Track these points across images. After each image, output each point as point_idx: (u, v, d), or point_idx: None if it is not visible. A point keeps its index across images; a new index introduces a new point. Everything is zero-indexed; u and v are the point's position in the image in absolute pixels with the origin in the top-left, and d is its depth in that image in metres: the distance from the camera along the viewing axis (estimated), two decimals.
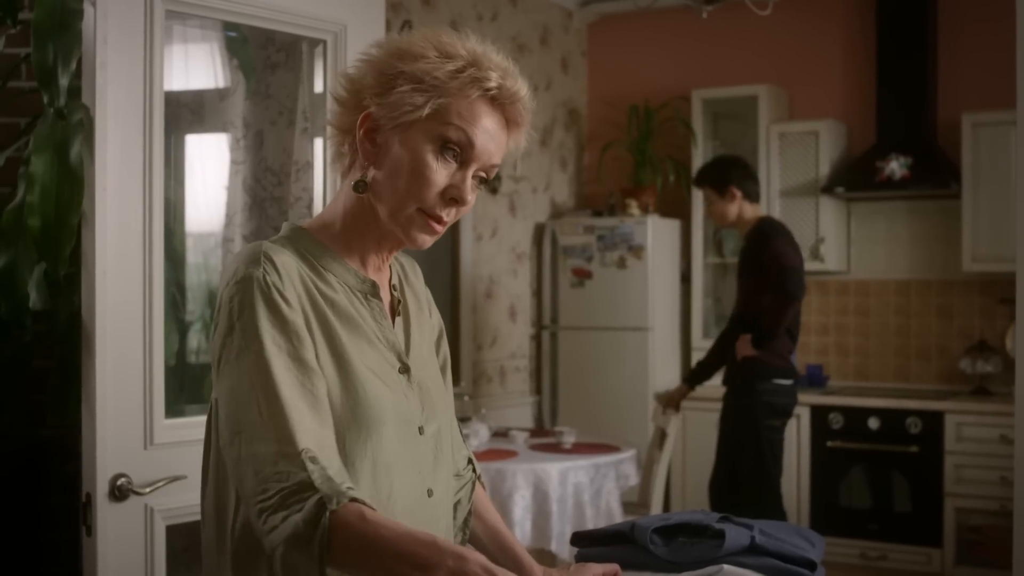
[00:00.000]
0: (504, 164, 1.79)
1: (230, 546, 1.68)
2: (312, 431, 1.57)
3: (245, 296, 1.62)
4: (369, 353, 1.71)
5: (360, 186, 1.70)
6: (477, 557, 1.49)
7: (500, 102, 1.70)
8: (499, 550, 2.02)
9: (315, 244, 1.74)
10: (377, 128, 1.69)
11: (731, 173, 5.32)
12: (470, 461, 2.04)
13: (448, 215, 1.71)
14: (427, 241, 1.73)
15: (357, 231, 1.75)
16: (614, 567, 1.94)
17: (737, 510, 5.03)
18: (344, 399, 1.66)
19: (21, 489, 3.25)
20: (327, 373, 1.65)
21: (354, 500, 1.52)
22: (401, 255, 1.92)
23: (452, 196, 1.69)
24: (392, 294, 1.84)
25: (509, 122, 1.72)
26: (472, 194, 1.71)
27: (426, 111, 1.64)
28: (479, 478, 2.05)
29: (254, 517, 1.54)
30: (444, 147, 1.67)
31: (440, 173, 1.67)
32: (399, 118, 1.66)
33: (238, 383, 1.59)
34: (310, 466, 1.53)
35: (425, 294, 1.96)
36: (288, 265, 1.66)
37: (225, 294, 1.64)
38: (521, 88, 1.71)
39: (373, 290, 1.76)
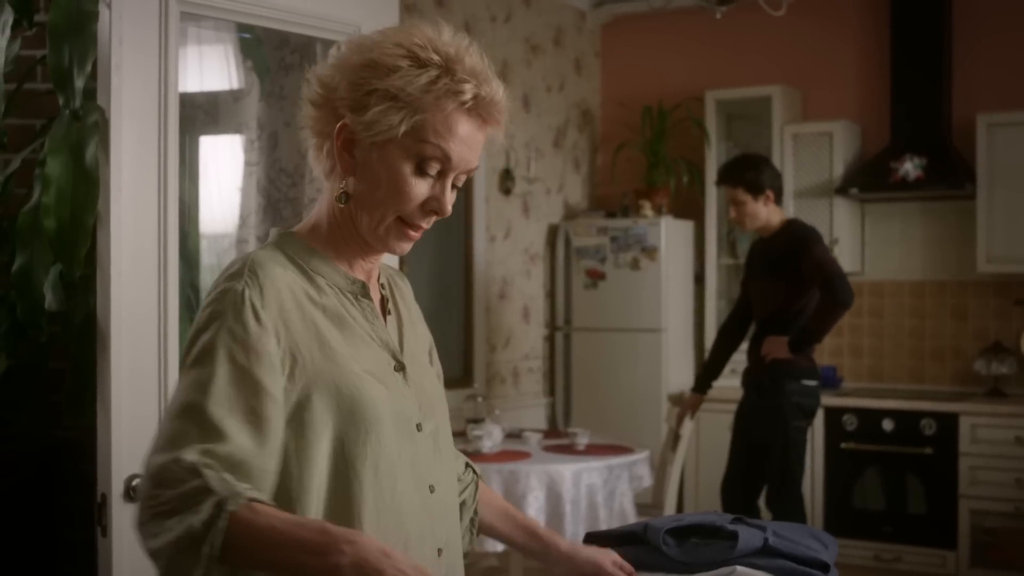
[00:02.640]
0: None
1: None
2: (237, 446, 1.56)
3: (217, 309, 1.62)
4: (363, 353, 1.72)
5: (343, 198, 1.71)
6: (371, 540, 1.50)
7: (476, 110, 1.69)
8: (515, 527, 2.05)
9: (303, 248, 1.75)
10: (353, 141, 1.69)
11: (766, 174, 5.21)
12: (468, 465, 2.06)
13: (426, 223, 1.73)
14: (405, 248, 1.75)
15: (344, 236, 1.76)
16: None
17: (754, 511, 5.04)
18: (341, 402, 1.66)
19: (37, 489, 3.27)
20: (321, 371, 1.66)
21: (252, 500, 1.51)
22: (393, 270, 1.94)
23: (432, 208, 1.71)
24: (381, 292, 1.85)
25: (486, 122, 1.72)
26: (450, 202, 1.72)
27: (402, 129, 1.65)
28: (479, 478, 2.07)
29: (142, 521, 1.53)
30: (422, 163, 1.67)
31: (419, 187, 1.69)
32: (375, 136, 1.66)
33: (178, 391, 1.60)
34: (206, 472, 1.51)
35: (416, 309, 1.96)
36: (274, 277, 1.67)
37: (204, 302, 1.66)
38: (496, 92, 1.70)
39: (363, 290, 1.77)
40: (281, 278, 1.68)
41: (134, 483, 2.58)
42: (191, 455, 1.52)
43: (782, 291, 5.16)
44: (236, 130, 3.59)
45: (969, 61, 6.71)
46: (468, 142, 1.69)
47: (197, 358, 1.60)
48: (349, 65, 1.69)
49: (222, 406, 1.56)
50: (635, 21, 7.83)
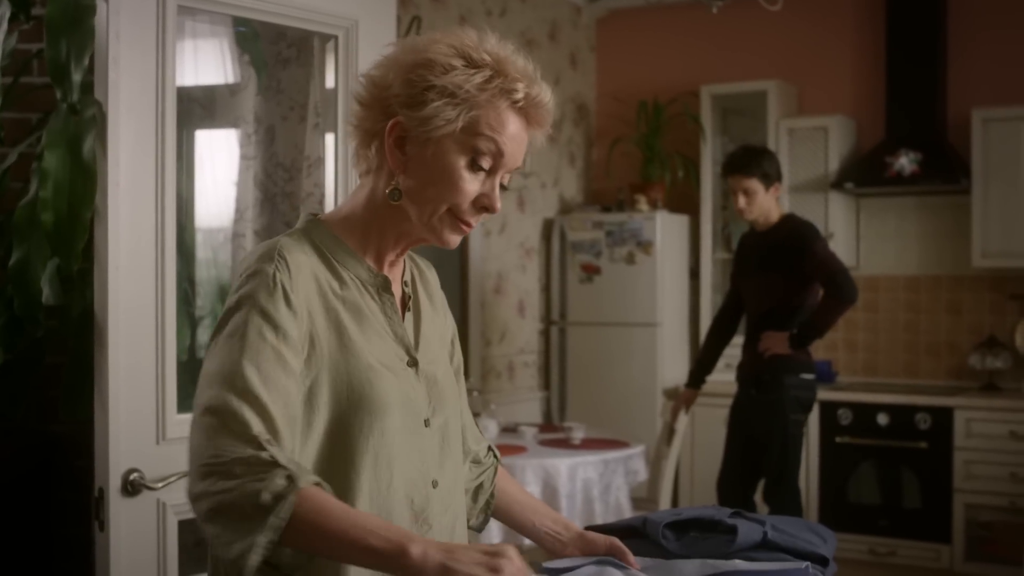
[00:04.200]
0: (521, 169, 1.83)
1: None
2: (270, 421, 1.58)
3: (250, 288, 1.66)
4: (378, 346, 1.75)
5: (396, 194, 1.74)
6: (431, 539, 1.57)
7: (525, 109, 1.74)
8: (531, 512, 2.08)
9: (330, 238, 1.78)
10: (406, 137, 1.72)
11: (776, 165, 5.20)
12: (490, 449, 2.10)
13: (476, 220, 1.77)
14: (456, 241, 1.78)
15: (377, 228, 1.79)
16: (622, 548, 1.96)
17: (750, 505, 5.04)
18: (350, 393, 1.69)
19: (34, 484, 3.26)
20: (336, 362, 1.69)
21: (317, 484, 1.55)
22: (419, 258, 1.97)
23: (483, 204, 1.75)
24: (404, 290, 1.87)
25: (531, 123, 1.77)
26: (499, 201, 1.77)
27: (459, 124, 1.69)
28: (499, 462, 2.11)
29: (196, 477, 1.55)
30: (476, 158, 1.72)
31: (472, 183, 1.73)
32: (431, 132, 1.70)
33: (217, 363, 1.62)
34: (270, 448, 1.55)
35: (440, 298, 2.00)
36: (302, 264, 1.70)
37: (235, 285, 1.69)
38: (545, 94, 1.76)
39: (385, 285, 1.80)
40: (307, 265, 1.71)
41: (131, 477, 2.58)
42: (248, 428, 1.55)
43: (780, 286, 5.14)
44: (233, 124, 3.59)
45: (964, 56, 6.71)
46: (517, 140, 1.75)
47: (230, 333, 1.63)
48: (402, 64, 1.73)
49: (257, 379, 1.59)
50: (630, 15, 7.83)
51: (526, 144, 1.77)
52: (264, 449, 1.54)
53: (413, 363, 1.81)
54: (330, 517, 1.52)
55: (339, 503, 1.56)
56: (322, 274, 1.73)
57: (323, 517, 1.52)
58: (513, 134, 1.73)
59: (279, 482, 1.51)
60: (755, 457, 5.21)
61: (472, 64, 1.70)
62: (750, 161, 5.16)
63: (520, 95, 1.72)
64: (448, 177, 1.71)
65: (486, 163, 1.72)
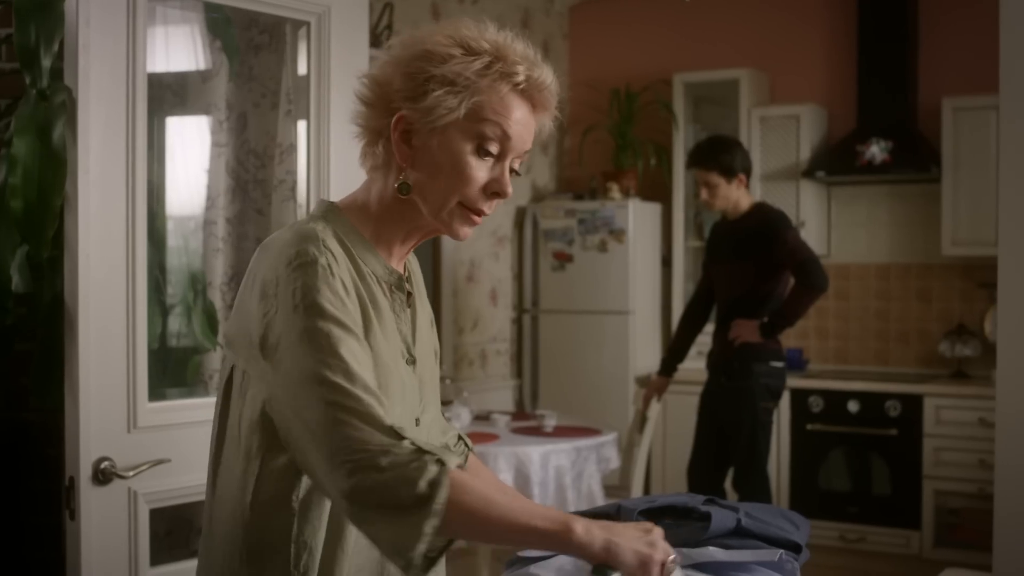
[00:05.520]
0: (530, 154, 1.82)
1: (250, 516, 1.69)
2: (385, 407, 1.60)
3: (308, 279, 1.63)
4: (385, 344, 1.74)
5: (405, 188, 1.74)
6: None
7: (528, 92, 1.74)
8: None
9: (351, 230, 1.77)
10: (411, 130, 1.72)
11: (739, 157, 5.20)
12: (460, 438, 2.08)
13: (488, 207, 1.76)
14: (468, 233, 1.78)
15: (389, 223, 1.79)
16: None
17: (720, 493, 5.06)
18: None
19: (4, 473, 3.24)
20: None
21: (460, 466, 1.58)
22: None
23: (494, 190, 1.74)
24: (405, 286, 1.86)
25: (536, 107, 1.77)
26: (510, 185, 1.76)
27: (462, 111, 1.69)
28: (471, 450, 2.09)
29: (343, 474, 1.54)
30: (482, 144, 1.71)
31: (480, 170, 1.72)
32: (435, 121, 1.70)
33: (311, 358, 1.60)
34: (406, 434, 1.56)
35: (423, 287, 1.99)
36: (339, 253, 1.69)
37: (284, 274, 1.64)
38: (547, 76, 1.76)
39: (399, 283, 1.81)
40: (341, 256, 1.70)
41: (102, 466, 2.56)
42: (376, 415, 1.56)
43: (751, 274, 5.17)
44: (204, 111, 3.56)
45: (935, 45, 6.74)
46: (523, 123, 1.74)
47: (309, 328, 1.60)
48: (401, 59, 1.73)
49: (359, 369, 1.60)
50: (603, 3, 7.83)
51: (534, 128, 1.77)
52: (403, 437, 1.55)
53: (412, 361, 1.81)
54: (488, 501, 1.56)
55: (482, 484, 1.59)
56: (351, 266, 1.72)
57: (479, 500, 1.55)
58: (518, 118, 1.73)
59: (431, 468, 1.53)
60: (725, 444, 5.24)
61: (471, 52, 1.69)
62: (708, 155, 5.20)
63: (521, 78, 1.71)
64: (456, 165, 1.71)
65: (493, 148, 1.72)
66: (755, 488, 5.10)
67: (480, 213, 1.76)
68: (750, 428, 5.14)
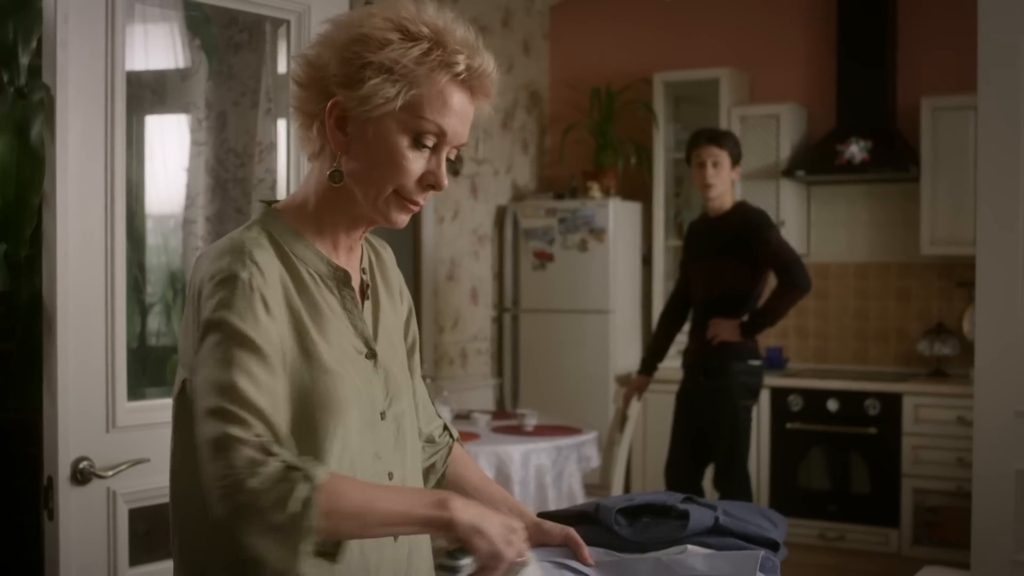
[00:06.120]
0: (465, 146, 1.80)
1: (207, 518, 1.67)
2: (268, 423, 1.57)
3: (227, 296, 1.61)
4: (337, 343, 1.72)
5: (337, 176, 1.71)
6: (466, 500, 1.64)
7: (468, 81, 1.70)
8: (484, 496, 2.05)
9: (287, 230, 1.74)
10: (347, 117, 1.68)
11: (740, 151, 5.30)
12: (446, 428, 2.07)
13: (423, 198, 1.73)
14: (405, 220, 1.75)
15: (329, 214, 1.75)
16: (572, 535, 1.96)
17: (699, 491, 5.06)
18: (312, 394, 1.66)
19: None
20: (297, 366, 1.66)
21: (330, 473, 1.57)
22: (374, 238, 1.93)
23: (429, 182, 1.71)
24: (362, 277, 1.84)
25: (476, 94, 1.73)
26: (446, 177, 1.73)
27: (399, 103, 1.65)
28: (456, 441, 2.08)
29: (217, 499, 1.53)
30: (418, 137, 1.68)
31: (416, 162, 1.69)
32: (371, 111, 1.66)
33: (209, 379, 1.59)
34: (276, 450, 1.54)
35: (397, 277, 1.96)
36: (269, 265, 1.67)
37: (207, 287, 1.63)
38: (487, 64, 1.72)
39: (345, 279, 1.77)
40: (273, 267, 1.68)
41: (81, 466, 2.55)
42: (248, 434, 1.54)
43: (729, 273, 5.18)
44: (184, 109, 3.55)
45: (914, 45, 6.77)
46: (461, 115, 1.71)
47: (215, 346, 1.59)
48: (338, 42, 1.68)
49: (250, 387, 1.57)
50: (584, 3, 7.83)
51: (471, 117, 1.73)
52: (272, 454, 1.53)
53: (372, 355, 1.78)
54: (365, 500, 1.57)
55: (355, 483, 1.59)
56: (284, 275, 1.69)
57: (356, 503, 1.55)
58: (457, 110, 1.69)
59: (300, 487, 1.51)
60: (703, 443, 5.25)
61: (409, 37, 1.65)
62: (725, 134, 5.29)
63: (461, 67, 1.67)
64: (391, 157, 1.67)
65: (429, 141, 1.69)
66: (736, 486, 5.12)
67: (416, 204, 1.73)
68: (730, 427, 5.15)
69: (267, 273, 1.65)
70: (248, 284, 1.62)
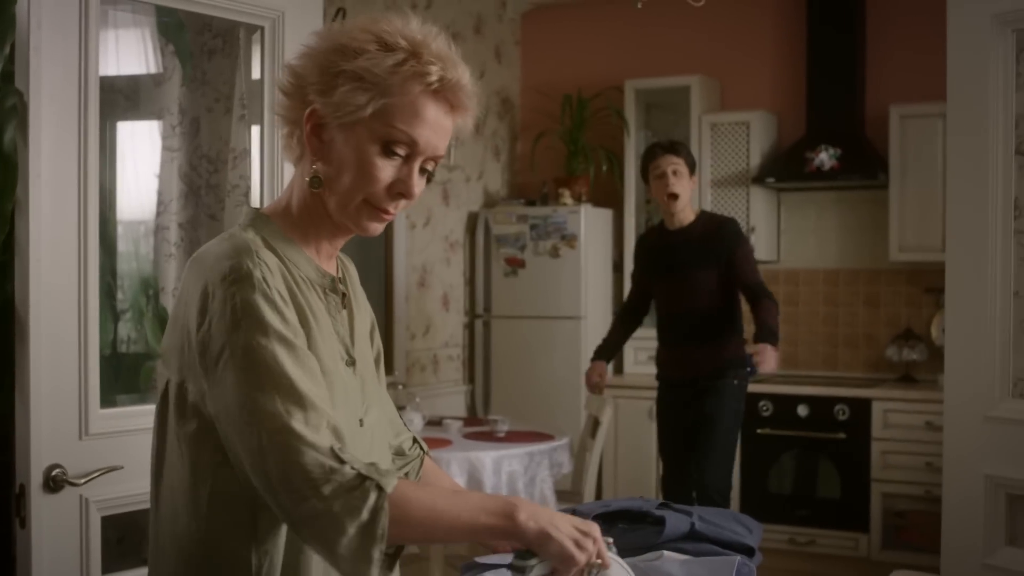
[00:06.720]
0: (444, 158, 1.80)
1: (205, 530, 1.67)
2: (338, 427, 1.60)
3: (246, 294, 1.61)
4: (323, 346, 1.72)
5: (316, 182, 1.72)
6: (531, 503, 1.65)
7: (443, 92, 1.70)
8: None
9: (279, 235, 1.75)
10: (323, 124, 1.70)
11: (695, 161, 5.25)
12: (416, 441, 2.07)
13: (395, 207, 1.73)
14: (378, 228, 1.75)
15: (313, 220, 1.76)
16: None
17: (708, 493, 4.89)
18: None
19: None
20: None
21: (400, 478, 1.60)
22: (341, 254, 1.93)
23: (399, 191, 1.71)
24: (339, 286, 1.85)
25: (454, 108, 1.73)
26: (419, 186, 1.73)
27: (368, 111, 1.66)
28: (427, 454, 2.08)
29: (291, 504, 1.56)
30: (389, 145, 1.68)
31: (385, 170, 1.69)
32: (343, 117, 1.67)
33: (252, 378, 1.58)
34: (345, 457, 1.56)
35: (362, 294, 1.97)
36: (272, 262, 1.67)
37: (220, 289, 1.62)
38: (463, 76, 1.72)
39: (332, 285, 1.79)
40: (276, 267, 1.68)
41: (54, 473, 2.53)
42: (319, 441, 1.56)
43: (712, 285, 5.10)
44: (157, 115, 3.54)
45: (882, 54, 6.83)
46: (435, 127, 1.70)
47: (250, 343, 1.59)
48: (318, 51, 1.70)
49: (304, 386, 1.59)
50: (555, 10, 7.86)
51: (448, 131, 1.73)
52: (343, 461, 1.55)
53: (351, 362, 1.79)
54: (431, 510, 1.59)
55: (423, 491, 1.62)
56: (286, 274, 1.70)
57: (422, 512, 1.58)
58: (431, 121, 1.69)
59: (372, 496, 1.54)
60: (718, 452, 5.09)
61: (385, 47, 1.66)
62: (677, 144, 5.25)
63: (434, 78, 1.67)
64: (360, 164, 1.68)
65: (401, 150, 1.69)
66: (720, 475, 5.05)
67: (387, 212, 1.73)
68: (728, 421, 5.08)
69: (274, 272, 1.66)
70: (264, 281, 1.63)
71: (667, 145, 5.23)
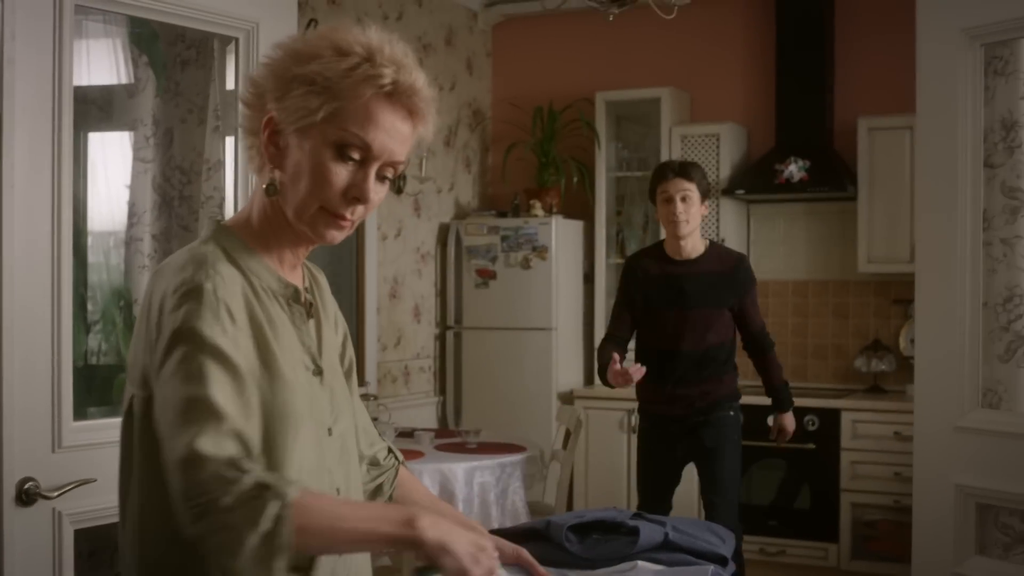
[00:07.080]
0: (409, 164, 1.79)
1: (179, 543, 1.65)
2: (247, 439, 1.58)
3: (194, 306, 1.61)
4: (287, 357, 1.72)
5: (271, 189, 1.71)
6: (435, 516, 1.64)
7: (398, 97, 1.69)
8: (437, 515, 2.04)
9: (241, 246, 1.74)
10: (279, 131, 1.70)
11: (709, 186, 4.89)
12: (391, 451, 2.07)
13: (352, 213, 1.71)
14: (336, 236, 1.74)
15: (273, 230, 1.76)
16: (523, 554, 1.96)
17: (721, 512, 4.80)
18: (273, 402, 1.67)
19: None
20: (258, 378, 1.66)
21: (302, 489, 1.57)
22: (310, 264, 1.93)
23: (354, 195, 1.69)
24: (305, 296, 1.84)
25: (412, 114, 1.72)
26: (376, 192, 1.72)
27: (320, 115, 1.65)
28: (402, 463, 2.09)
29: (189, 520, 1.53)
30: (342, 150, 1.67)
31: (340, 175, 1.68)
32: (296, 122, 1.67)
33: (181, 390, 1.58)
34: (248, 466, 1.54)
35: (333, 304, 1.97)
36: (231, 277, 1.67)
37: (170, 301, 1.63)
38: (417, 80, 1.70)
39: (295, 295, 1.78)
40: (234, 279, 1.68)
41: (26, 486, 2.52)
42: (226, 453, 1.54)
43: (723, 324, 4.85)
44: (131, 126, 3.53)
45: (850, 66, 6.88)
46: (390, 132, 1.69)
47: (187, 355, 1.59)
48: (276, 60, 1.71)
49: (221, 399, 1.57)
50: (526, 22, 7.88)
51: (405, 137, 1.72)
52: (244, 470, 1.53)
53: (319, 372, 1.79)
54: (334, 517, 1.57)
55: (325, 500, 1.61)
56: (245, 287, 1.70)
57: (325, 520, 1.56)
58: (385, 125, 1.68)
59: (272, 505, 1.52)
60: (730, 472, 4.93)
61: (341, 53, 1.65)
62: (691, 167, 4.82)
63: (387, 80, 1.66)
64: (315, 169, 1.67)
65: (355, 154, 1.68)
66: (731, 506, 4.89)
67: (344, 219, 1.71)
68: (731, 452, 4.93)
69: (230, 284, 1.66)
70: (214, 294, 1.62)
71: (678, 168, 4.79)
